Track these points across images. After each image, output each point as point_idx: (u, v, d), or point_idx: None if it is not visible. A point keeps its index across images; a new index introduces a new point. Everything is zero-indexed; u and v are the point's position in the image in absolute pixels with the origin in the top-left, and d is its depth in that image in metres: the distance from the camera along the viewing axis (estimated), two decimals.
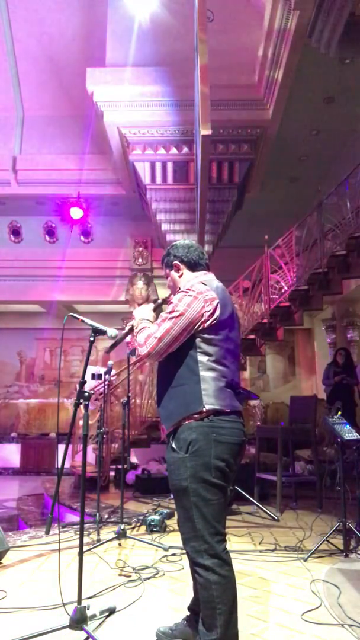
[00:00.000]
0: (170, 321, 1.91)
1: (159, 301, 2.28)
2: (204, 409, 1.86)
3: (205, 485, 1.82)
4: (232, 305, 2.09)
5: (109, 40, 7.13)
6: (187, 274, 2.15)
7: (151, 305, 2.21)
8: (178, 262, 2.17)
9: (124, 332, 2.32)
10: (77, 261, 9.97)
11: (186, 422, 1.88)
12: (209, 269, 2.20)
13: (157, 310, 2.21)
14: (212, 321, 1.93)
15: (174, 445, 1.90)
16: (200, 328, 1.92)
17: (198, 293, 1.95)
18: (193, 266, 2.16)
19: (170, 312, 1.93)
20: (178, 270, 2.17)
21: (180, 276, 2.17)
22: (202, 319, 1.92)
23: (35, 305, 11.00)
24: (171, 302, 1.99)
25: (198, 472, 1.82)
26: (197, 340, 1.93)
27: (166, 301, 2.18)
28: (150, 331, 1.96)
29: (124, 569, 3.17)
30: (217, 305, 1.95)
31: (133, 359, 5.14)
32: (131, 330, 2.22)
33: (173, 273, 2.19)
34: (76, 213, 8.84)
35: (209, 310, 1.93)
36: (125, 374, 4.68)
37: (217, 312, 1.95)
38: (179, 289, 2.06)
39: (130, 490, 6.13)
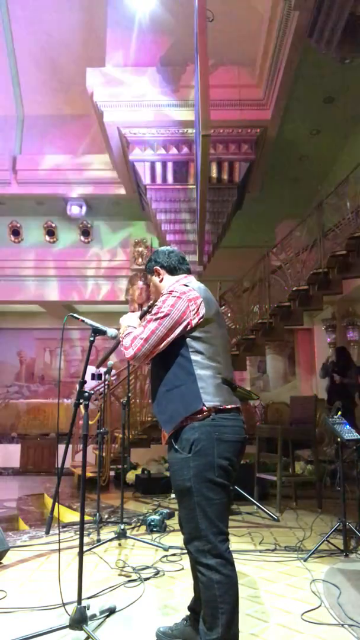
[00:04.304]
0: (156, 322, 1.94)
1: (145, 308, 2.31)
2: (205, 407, 1.87)
3: (209, 485, 1.82)
4: (215, 303, 2.13)
5: (108, 40, 7.13)
6: (168, 278, 2.21)
7: (137, 314, 2.24)
8: (158, 267, 2.23)
9: (112, 346, 2.36)
10: (76, 261, 9.96)
11: (188, 423, 1.88)
12: (190, 274, 2.26)
13: (144, 317, 2.23)
14: (199, 319, 1.96)
15: (176, 446, 1.90)
16: (188, 328, 1.95)
17: (181, 293, 1.99)
18: (172, 270, 2.22)
19: (155, 314, 1.96)
20: (158, 275, 2.23)
21: (161, 281, 2.23)
22: (188, 319, 1.94)
23: (35, 305, 10.98)
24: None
25: (202, 471, 1.82)
26: (188, 340, 1.95)
27: (152, 307, 2.20)
28: (135, 333, 1.98)
29: (124, 569, 3.17)
30: (201, 303, 1.99)
31: None
32: (118, 343, 2.24)
33: (154, 278, 2.26)
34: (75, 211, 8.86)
35: (194, 309, 1.96)
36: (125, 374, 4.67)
37: (203, 310, 1.98)
38: (162, 293, 2.11)
39: (131, 490, 6.13)
